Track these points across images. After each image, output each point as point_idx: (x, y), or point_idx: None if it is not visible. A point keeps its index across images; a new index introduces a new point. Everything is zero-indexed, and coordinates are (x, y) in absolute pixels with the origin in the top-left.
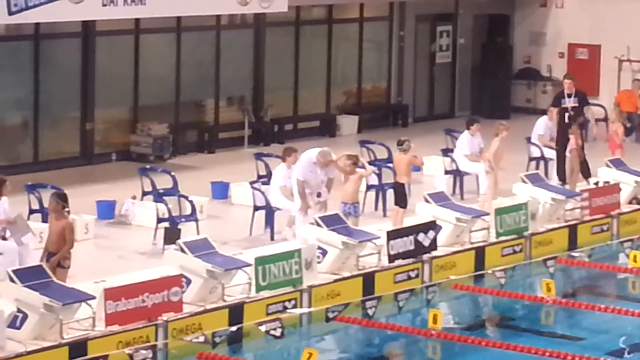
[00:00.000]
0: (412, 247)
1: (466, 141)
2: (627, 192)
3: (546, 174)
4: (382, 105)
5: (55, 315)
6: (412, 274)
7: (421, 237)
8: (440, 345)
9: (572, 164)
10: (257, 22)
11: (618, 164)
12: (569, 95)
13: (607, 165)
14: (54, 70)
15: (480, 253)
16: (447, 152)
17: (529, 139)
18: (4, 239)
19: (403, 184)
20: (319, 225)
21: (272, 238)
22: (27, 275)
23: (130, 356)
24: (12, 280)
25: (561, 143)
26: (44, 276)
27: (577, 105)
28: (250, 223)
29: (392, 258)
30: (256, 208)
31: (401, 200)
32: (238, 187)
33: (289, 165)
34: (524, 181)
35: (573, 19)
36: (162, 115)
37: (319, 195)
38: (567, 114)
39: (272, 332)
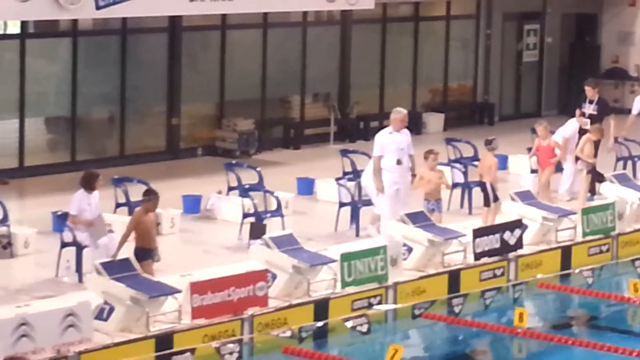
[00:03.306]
0: (497, 245)
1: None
2: None
3: (634, 174)
4: (468, 104)
5: (141, 308)
6: (498, 272)
7: (507, 235)
8: (526, 343)
9: None
10: (344, 19)
11: None
12: (590, 102)
13: None
14: (140, 65)
15: (566, 252)
16: None
17: (616, 139)
18: None
19: (484, 183)
20: (404, 222)
21: (357, 234)
22: (115, 268)
23: (217, 350)
24: (99, 272)
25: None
26: (131, 269)
27: (595, 113)
28: (336, 219)
29: (477, 256)
30: (342, 204)
31: (485, 198)
32: (323, 183)
33: None
34: (611, 181)
35: None
36: (248, 110)
37: (399, 162)
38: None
39: (358, 328)
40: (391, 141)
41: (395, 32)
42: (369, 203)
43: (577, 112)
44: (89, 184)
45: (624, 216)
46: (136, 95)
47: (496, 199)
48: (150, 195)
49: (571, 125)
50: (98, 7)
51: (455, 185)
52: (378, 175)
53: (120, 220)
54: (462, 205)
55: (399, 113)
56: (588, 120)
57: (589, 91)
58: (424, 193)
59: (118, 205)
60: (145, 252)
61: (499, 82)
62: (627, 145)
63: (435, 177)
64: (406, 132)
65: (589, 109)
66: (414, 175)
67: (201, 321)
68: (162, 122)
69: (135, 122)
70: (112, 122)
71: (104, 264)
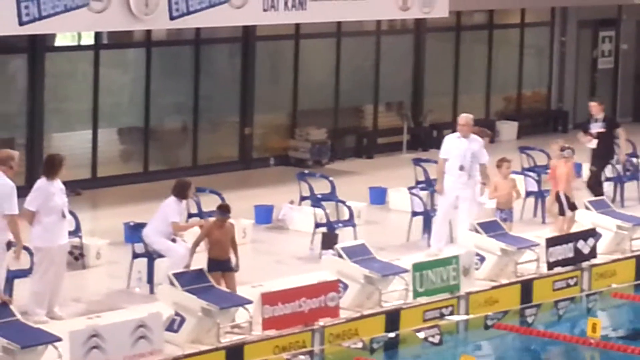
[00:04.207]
0: (571, 255)
1: None
2: None
3: None
4: (542, 111)
5: (212, 319)
6: (571, 282)
7: (581, 244)
8: (599, 354)
9: None
10: (418, 27)
11: None
12: (596, 120)
13: None
14: (214, 75)
15: None
16: None
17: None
18: (174, 241)
19: (557, 192)
20: (477, 231)
21: (429, 244)
22: (187, 279)
23: None
24: (172, 283)
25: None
26: (204, 280)
27: (603, 130)
28: (408, 229)
29: (551, 265)
30: (414, 214)
31: (559, 207)
32: (396, 192)
33: None
34: None
35: None
36: (321, 120)
37: (461, 168)
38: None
39: (430, 339)
40: (455, 146)
41: (469, 40)
42: None
43: (581, 134)
44: (182, 193)
45: None
46: (209, 105)
47: (573, 207)
48: (218, 212)
49: None
50: (172, 18)
51: (528, 194)
52: (440, 178)
53: (192, 230)
54: (535, 214)
55: (459, 117)
56: (595, 140)
57: (595, 107)
58: (495, 202)
59: (190, 215)
60: (216, 263)
61: (574, 89)
62: None
63: (509, 186)
64: (475, 139)
65: (596, 127)
66: (483, 184)
67: (272, 332)
68: (235, 132)
69: (207, 132)
70: (185, 132)
71: (177, 275)
